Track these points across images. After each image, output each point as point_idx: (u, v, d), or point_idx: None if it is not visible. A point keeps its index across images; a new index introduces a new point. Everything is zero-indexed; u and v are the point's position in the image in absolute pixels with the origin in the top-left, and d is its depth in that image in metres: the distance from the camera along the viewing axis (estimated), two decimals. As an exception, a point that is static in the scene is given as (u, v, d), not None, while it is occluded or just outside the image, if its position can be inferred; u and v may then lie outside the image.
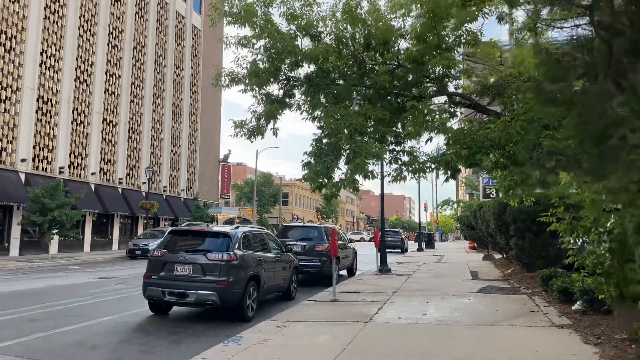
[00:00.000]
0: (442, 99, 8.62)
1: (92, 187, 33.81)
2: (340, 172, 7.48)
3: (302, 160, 7.62)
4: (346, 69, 8.05)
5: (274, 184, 71.88)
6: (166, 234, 9.50)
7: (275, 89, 8.31)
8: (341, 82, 7.94)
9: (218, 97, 52.61)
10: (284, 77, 8.13)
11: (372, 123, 7.41)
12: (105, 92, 35.52)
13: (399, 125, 8.17)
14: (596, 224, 7.52)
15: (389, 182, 7.81)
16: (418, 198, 38.10)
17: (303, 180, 7.62)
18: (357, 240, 66.93)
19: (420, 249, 34.69)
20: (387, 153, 7.97)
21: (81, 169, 33.24)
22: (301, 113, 8.16)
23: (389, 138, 7.78)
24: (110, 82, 36.14)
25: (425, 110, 7.04)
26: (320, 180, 7.40)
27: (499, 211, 14.25)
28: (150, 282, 8.72)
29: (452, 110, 8.39)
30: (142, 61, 39.90)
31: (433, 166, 7.44)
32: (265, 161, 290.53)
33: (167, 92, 43.06)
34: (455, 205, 49.80)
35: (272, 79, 7.87)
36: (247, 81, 7.74)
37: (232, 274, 8.53)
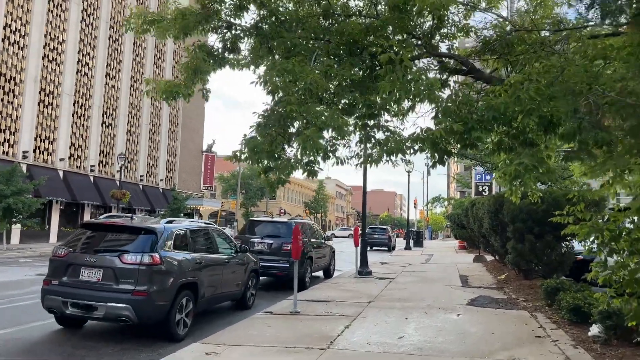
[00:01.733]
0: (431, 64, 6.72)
1: (61, 173, 31.68)
2: (291, 150, 5.57)
3: (245, 135, 5.70)
4: (308, 18, 6.14)
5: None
6: (79, 227, 7.56)
7: (213, 40, 6.38)
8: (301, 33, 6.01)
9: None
10: (223, 23, 6.17)
11: (337, 86, 5.52)
12: (77, 73, 33.28)
13: (375, 95, 6.26)
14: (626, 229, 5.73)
15: (357, 165, 5.96)
16: (407, 194, 36.33)
17: (233, 161, 5.70)
18: (345, 237, 64.99)
19: (408, 248, 32.93)
20: (357, 129, 6.05)
21: (48, 154, 31.05)
22: (240, 69, 6.21)
23: (360, 108, 5.88)
24: (84, 63, 33.88)
25: (408, 70, 5.16)
26: (266, 160, 5.49)
27: (494, 209, 12.43)
28: (49, 289, 6.77)
29: (443, 77, 6.50)
30: (119, 42, 37.64)
31: (416, 147, 5.58)
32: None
33: (146, 73, 40.78)
34: (446, 203, 48.13)
35: (204, 23, 5.91)
36: (169, 25, 5.79)
37: (155, 282, 6.61)
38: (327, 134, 6.27)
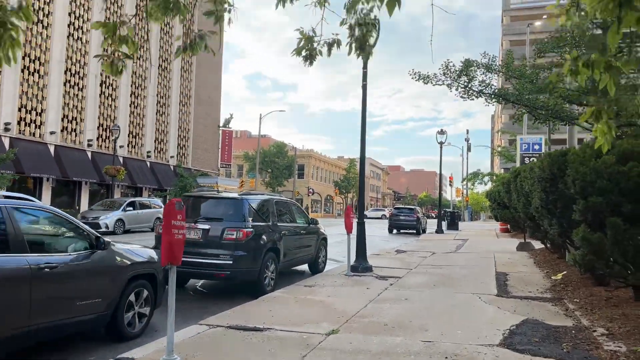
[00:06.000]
0: None
1: (51, 148, 28.82)
2: None
3: None
4: None
5: (288, 155, 66.05)
6: None
7: None
8: None
9: (219, 57, 46.57)
10: None
11: None
12: (69, 37, 30.12)
13: None
14: None
15: None
16: (439, 170, 31.59)
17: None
18: (378, 218, 60.64)
19: (439, 231, 28.39)
20: None
21: (36, 127, 28.17)
22: None
23: None
24: (76, 26, 30.67)
25: None
26: None
27: (550, 176, 7.91)
28: None
29: None
30: (118, 3, 34.21)
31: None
32: (280, 131, 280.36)
33: (152, 43, 37.38)
34: (486, 179, 42.88)
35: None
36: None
37: None
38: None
